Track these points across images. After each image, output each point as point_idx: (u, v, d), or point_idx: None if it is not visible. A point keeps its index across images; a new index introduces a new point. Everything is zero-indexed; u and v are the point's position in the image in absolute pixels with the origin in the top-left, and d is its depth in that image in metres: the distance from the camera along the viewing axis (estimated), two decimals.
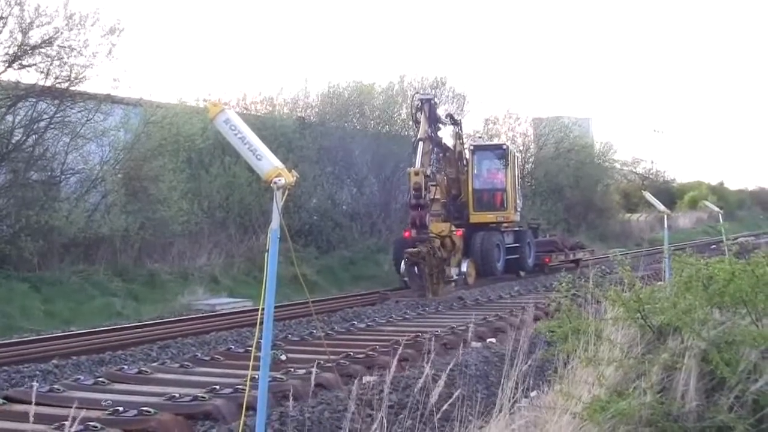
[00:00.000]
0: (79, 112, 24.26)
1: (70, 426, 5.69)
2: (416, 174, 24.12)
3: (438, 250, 24.21)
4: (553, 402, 7.24)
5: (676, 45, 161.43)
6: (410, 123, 29.85)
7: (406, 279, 24.97)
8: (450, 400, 6.97)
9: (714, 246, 36.17)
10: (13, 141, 23.38)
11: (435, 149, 26.96)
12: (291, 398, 8.04)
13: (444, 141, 28.62)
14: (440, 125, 27.86)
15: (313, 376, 8.26)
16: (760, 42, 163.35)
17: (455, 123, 30.06)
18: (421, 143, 25.31)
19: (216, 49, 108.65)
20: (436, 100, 28.62)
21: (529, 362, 7.90)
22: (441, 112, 29.39)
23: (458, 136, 30.20)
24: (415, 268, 23.64)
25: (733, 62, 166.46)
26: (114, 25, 24.01)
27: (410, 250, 23.52)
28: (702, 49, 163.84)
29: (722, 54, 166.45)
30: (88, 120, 24.44)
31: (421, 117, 26.05)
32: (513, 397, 7.29)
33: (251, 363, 7.06)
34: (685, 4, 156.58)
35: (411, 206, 24.35)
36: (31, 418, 6.15)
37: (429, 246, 23.65)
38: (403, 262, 24.61)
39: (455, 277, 26.41)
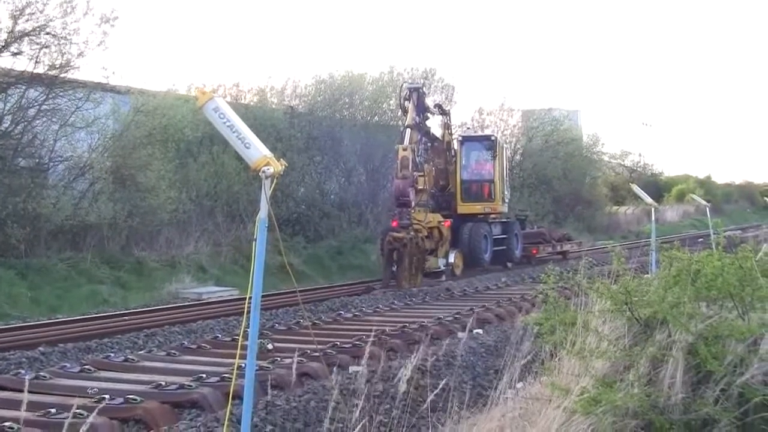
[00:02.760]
0: (69, 100, 24.18)
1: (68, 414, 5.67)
2: (404, 149, 24.21)
3: (421, 239, 24.12)
4: (540, 393, 7.26)
5: (665, 38, 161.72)
6: (399, 113, 29.80)
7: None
8: (433, 390, 6.96)
9: (701, 239, 36.26)
10: (2, 128, 23.28)
11: (423, 139, 26.91)
12: (270, 387, 8.05)
13: (432, 131, 28.61)
14: (428, 114, 27.83)
15: (295, 365, 8.23)
16: (748, 37, 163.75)
17: (444, 113, 30.07)
18: (408, 130, 25.30)
19: (207, 38, 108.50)
20: (424, 89, 28.54)
21: (521, 357, 7.89)
22: (429, 102, 29.37)
23: (447, 126, 30.20)
24: (394, 255, 23.53)
25: (721, 57, 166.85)
26: (107, 14, 23.99)
27: (394, 234, 23.45)
28: (691, 43, 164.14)
29: (711, 48, 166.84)
30: (77, 108, 24.36)
31: (409, 105, 26.02)
32: (501, 389, 7.30)
33: (238, 352, 7.06)
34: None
35: (396, 177, 24.37)
36: (24, 407, 6.14)
37: (412, 234, 23.57)
38: (383, 246, 24.44)
39: (442, 267, 26.40)
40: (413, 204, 24.56)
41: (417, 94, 26.44)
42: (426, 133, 27.40)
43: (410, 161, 24.07)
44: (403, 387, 6.74)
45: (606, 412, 6.38)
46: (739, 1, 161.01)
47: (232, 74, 68.06)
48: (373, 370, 9.35)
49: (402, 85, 28.63)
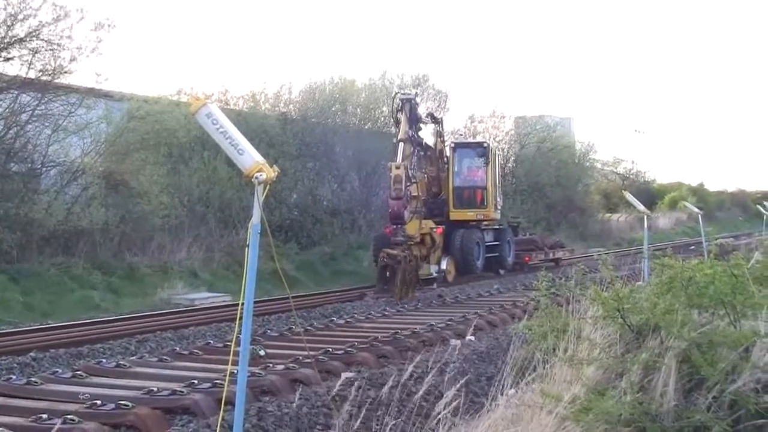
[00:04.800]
0: (61, 105, 24.16)
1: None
2: (397, 168, 24.08)
3: (414, 258, 24.03)
4: (532, 400, 7.26)
5: (657, 46, 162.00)
6: (391, 121, 29.72)
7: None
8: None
9: (693, 247, 36.34)
10: None
11: (416, 150, 26.80)
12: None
13: (425, 140, 28.53)
14: (421, 125, 27.72)
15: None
16: (741, 45, 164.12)
17: (436, 121, 29.98)
18: (401, 144, 25.17)
19: (199, 43, 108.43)
20: (417, 99, 28.41)
21: (512, 363, 7.89)
22: (422, 110, 29.34)
23: (439, 135, 30.13)
24: (387, 272, 23.47)
25: (715, 64, 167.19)
26: (103, 21, 23.97)
27: (388, 251, 23.38)
28: (684, 51, 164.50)
29: (704, 56, 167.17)
30: (70, 113, 24.35)
31: (402, 117, 25.89)
32: (492, 396, 7.30)
33: (230, 358, 7.05)
34: (667, 6, 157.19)
35: (390, 197, 24.29)
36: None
37: (407, 252, 23.50)
38: (376, 253, 24.47)
39: (435, 274, 26.38)
40: (407, 221, 24.44)
41: (410, 105, 26.24)
42: (419, 144, 27.26)
43: (403, 178, 23.94)
44: (395, 395, 6.75)
45: (598, 419, 6.39)
46: (732, 9, 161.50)
47: (222, 80, 68.14)
48: (365, 377, 9.36)
49: (395, 96, 28.53)
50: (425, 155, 28.84)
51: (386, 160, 26.88)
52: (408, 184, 24.54)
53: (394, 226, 23.87)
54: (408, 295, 22.84)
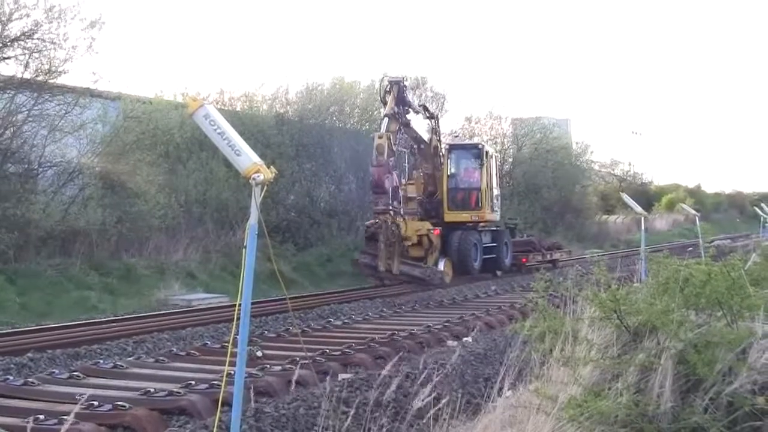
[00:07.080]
0: (57, 105, 24.16)
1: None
2: (380, 137, 23.99)
3: (397, 226, 24.00)
4: (529, 401, 7.26)
5: (655, 47, 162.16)
6: (380, 102, 29.43)
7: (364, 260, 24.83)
8: (422, 399, 6.95)
9: (690, 248, 36.37)
10: None
11: (401, 129, 26.48)
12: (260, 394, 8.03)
13: (420, 135, 28.36)
14: (410, 110, 27.37)
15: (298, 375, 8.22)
16: (739, 47, 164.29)
17: (431, 116, 29.78)
18: (386, 119, 24.99)
19: (196, 43, 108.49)
20: (405, 83, 28.13)
21: (510, 366, 7.89)
22: (414, 99, 29.10)
23: (434, 131, 30.00)
24: (373, 241, 23.60)
25: (712, 66, 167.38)
26: (95, 19, 24.00)
27: (370, 221, 23.52)
28: (681, 52, 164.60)
29: (702, 57, 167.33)
30: (66, 113, 24.34)
31: (389, 98, 25.73)
32: (489, 397, 7.30)
33: (227, 359, 7.05)
34: (665, 8, 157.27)
35: (371, 165, 24.23)
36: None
37: (387, 216, 23.49)
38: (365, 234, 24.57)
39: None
40: (387, 189, 24.32)
41: (398, 87, 25.97)
42: (406, 125, 26.88)
43: (386, 148, 23.79)
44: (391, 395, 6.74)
45: (594, 420, 6.39)
46: (730, 11, 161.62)
47: (219, 81, 68.09)
48: (362, 378, 9.36)
49: (382, 79, 28.33)
50: (419, 149, 28.73)
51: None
52: (391, 155, 24.41)
53: (375, 195, 23.83)
54: (393, 266, 22.81)
